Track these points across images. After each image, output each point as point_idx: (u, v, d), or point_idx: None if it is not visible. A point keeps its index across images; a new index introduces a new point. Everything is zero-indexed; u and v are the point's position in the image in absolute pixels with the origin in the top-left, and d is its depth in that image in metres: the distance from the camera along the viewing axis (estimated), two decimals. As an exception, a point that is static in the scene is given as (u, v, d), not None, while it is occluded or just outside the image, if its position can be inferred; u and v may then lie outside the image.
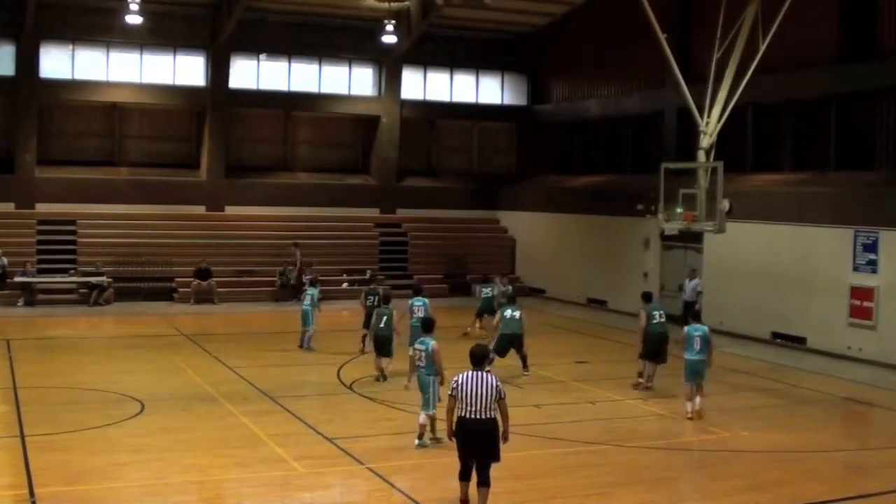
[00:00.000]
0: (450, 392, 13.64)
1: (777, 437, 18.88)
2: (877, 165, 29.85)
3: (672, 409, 21.10)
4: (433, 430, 17.36)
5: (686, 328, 20.83)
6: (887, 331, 27.10)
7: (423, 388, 17.52)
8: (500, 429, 13.63)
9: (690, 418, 20.07)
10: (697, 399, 20.23)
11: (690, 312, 23.60)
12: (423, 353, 17.53)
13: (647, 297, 23.92)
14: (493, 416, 13.43)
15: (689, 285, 32.07)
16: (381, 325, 23.24)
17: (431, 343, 17.58)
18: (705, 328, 20.70)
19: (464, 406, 13.39)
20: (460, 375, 13.63)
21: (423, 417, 17.40)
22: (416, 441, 17.28)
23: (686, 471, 16.98)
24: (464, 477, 13.84)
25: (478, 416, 13.34)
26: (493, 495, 14.72)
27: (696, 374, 20.24)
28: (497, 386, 13.48)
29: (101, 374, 23.58)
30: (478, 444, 13.47)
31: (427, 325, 18.33)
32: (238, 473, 15.72)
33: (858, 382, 24.75)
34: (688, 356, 20.34)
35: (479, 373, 13.60)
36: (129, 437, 17.53)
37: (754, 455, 17.69)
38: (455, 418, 13.56)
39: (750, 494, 15.38)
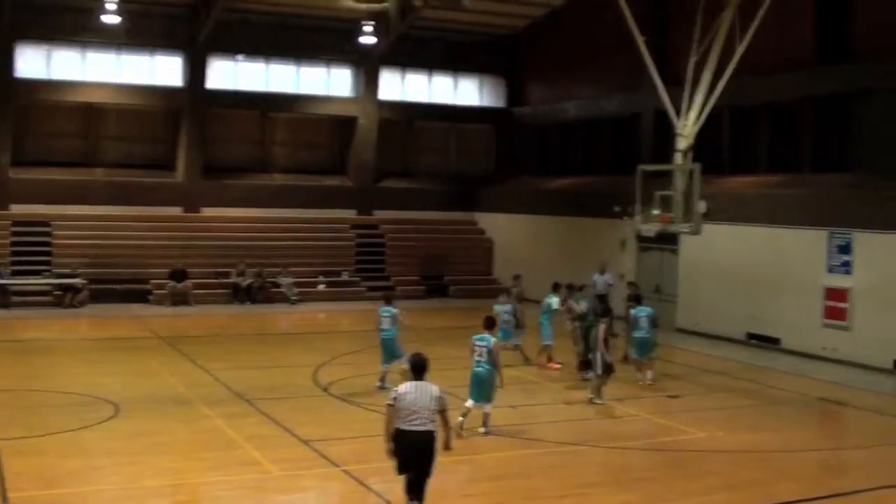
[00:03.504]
0: (389, 402, 13.10)
1: (752, 437, 18.96)
2: (852, 168, 30.03)
3: (647, 409, 21.19)
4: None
5: (632, 311, 24.57)
6: (861, 331, 27.26)
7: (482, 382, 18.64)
8: (439, 439, 13.22)
9: (643, 385, 23.48)
10: (649, 373, 23.65)
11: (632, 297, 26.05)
12: (485, 350, 18.58)
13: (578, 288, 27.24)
14: (431, 428, 12.97)
15: (601, 279, 32.14)
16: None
17: (493, 340, 18.71)
18: (650, 309, 24.50)
19: (403, 417, 12.89)
20: (402, 386, 13.18)
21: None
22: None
23: (661, 471, 17.00)
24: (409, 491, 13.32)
25: (415, 428, 12.86)
26: (470, 497, 14.79)
27: (642, 348, 23.97)
28: (438, 396, 13.01)
29: (75, 376, 23.47)
30: (413, 456, 12.98)
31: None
32: (213, 476, 15.67)
33: (832, 383, 24.88)
34: (636, 334, 24.14)
35: (420, 383, 13.16)
36: (103, 440, 17.45)
37: (729, 455, 17.75)
38: (394, 429, 13.02)
39: (725, 494, 15.45)
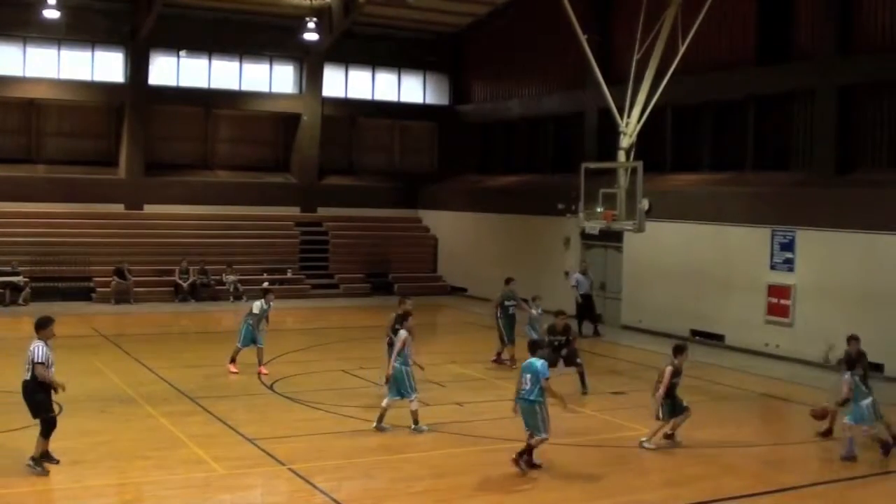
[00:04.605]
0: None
1: (695, 433, 19.05)
2: (793, 166, 30.37)
3: (591, 406, 21.31)
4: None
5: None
6: (803, 328, 27.58)
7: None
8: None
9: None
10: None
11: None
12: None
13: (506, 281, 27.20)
14: (27, 376, 15.57)
15: (585, 280, 32.29)
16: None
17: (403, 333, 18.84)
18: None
19: None
20: None
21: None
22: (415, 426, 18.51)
23: (606, 467, 17.07)
24: None
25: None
26: (415, 494, 14.80)
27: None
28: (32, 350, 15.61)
29: (16, 376, 23.03)
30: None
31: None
32: (158, 475, 15.57)
33: (775, 379, 25.14)
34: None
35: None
36: (46, 439, 17.29)
37: (674, 451, 17.89)
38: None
39: (669, 490, 15.58)
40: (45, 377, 15.45)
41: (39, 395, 15.57)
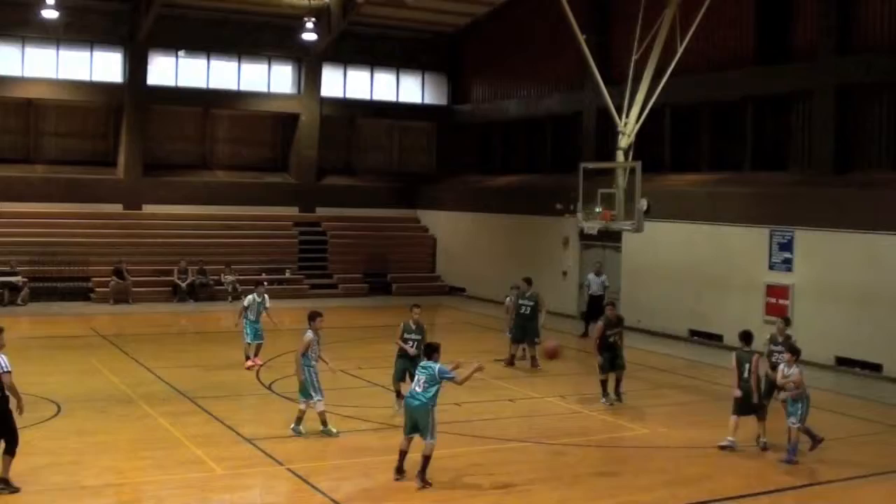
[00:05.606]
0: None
1: (696, 432, 19.09)
2: (791, 166, 30.37)
3: (591, 406, 21.30)
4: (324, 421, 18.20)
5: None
6: (802, 328, 27.45)
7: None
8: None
9: None
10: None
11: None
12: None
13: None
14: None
15: (596, 280, 32.19)
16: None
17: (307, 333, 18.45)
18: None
19: None
20: None
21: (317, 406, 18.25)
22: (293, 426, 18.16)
23: (606, 467, 17.10)
24: None
25: None
26: (413, 494, 14.78)
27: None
28: None
29: (16, 375, 22.96)
30: None
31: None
32: (156, 475, 15.56)
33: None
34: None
35: None
36: (45, 439, 17.23)
37: (673, 451, 17.88)
38: None
39: (670, 489, 15.55)
40: (14, 388, 14.60)
41: (7, 407, 14.59)
